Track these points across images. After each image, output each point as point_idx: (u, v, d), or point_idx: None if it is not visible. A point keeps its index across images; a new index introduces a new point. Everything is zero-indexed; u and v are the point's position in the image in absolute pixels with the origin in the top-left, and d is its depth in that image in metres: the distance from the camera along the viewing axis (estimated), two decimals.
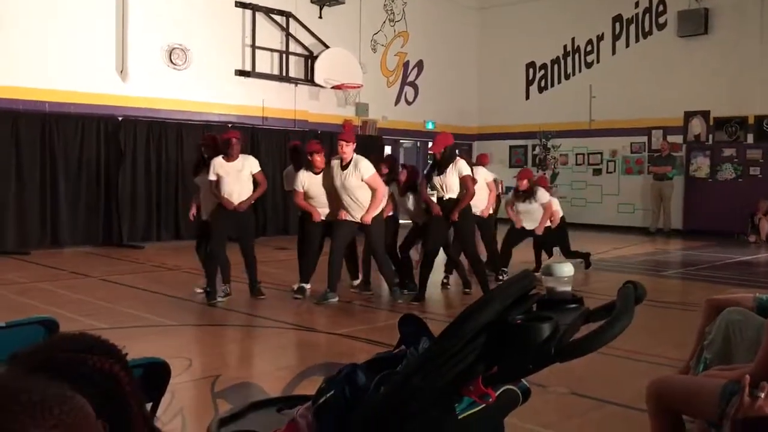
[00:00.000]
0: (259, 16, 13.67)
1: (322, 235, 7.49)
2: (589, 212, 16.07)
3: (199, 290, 7.38)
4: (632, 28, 16.02)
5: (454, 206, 7.21)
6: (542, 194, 9.04)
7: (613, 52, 16.32)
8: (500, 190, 9.61)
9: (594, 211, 16.17)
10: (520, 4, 17.48)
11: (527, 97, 17.82)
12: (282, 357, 5.40)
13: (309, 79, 14.43)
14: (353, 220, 7.15)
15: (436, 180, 7.30)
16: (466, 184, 7.25)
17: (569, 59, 17.06)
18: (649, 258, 11.68)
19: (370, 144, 14.99)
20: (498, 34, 18.05)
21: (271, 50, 13.97)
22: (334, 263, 7.15)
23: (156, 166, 12.27)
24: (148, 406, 1.47)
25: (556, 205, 9.34)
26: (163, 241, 12.20)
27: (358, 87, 14.94)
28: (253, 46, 13.57)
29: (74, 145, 11.38)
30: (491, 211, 8.65)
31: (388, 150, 16.41)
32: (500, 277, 8.33)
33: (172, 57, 12.47)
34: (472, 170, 7.50)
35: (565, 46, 17.07)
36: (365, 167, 7.08)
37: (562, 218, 9.43)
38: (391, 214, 7.78)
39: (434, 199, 7.36)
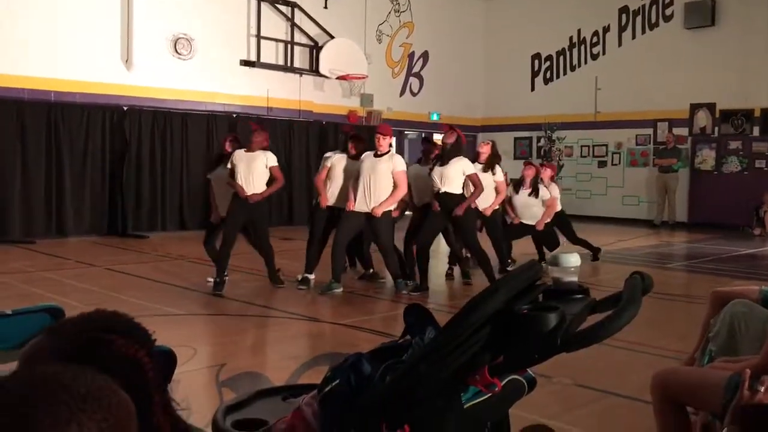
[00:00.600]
0: (264, 6, 13.64)
1: (328, 223, 7.50)
2: (593, 204, 16.04)
3: (210, 280, 7.39)
4: (639, 19, 15.94)
5: (452, 200, 7.19)
6: (545, 191, 8.96)
7: (619, 44, 16.25)
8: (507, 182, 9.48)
9: (599, 203, 16.14)
10: None
11: (533, 89, 17.76)
12: (287, 347, 5.41)
13: (314, 69, 14.41)
14: (362, 211, 7.13)
15: (437, 171, 7.27)
16: (474, 181, 7.25)
17: (575, 51, 16.99)
18: (654, 250, 11.66)
19: (374, 135, 14.96)
20: (504, 25, 17.98)
21: (276, 40, 13.95)
22: (337, 254, 7.15)
23: (161, 155, 12.28)
24: None
25: (556, 197, 9.22)
26: (168, 230, 12.23)
27: (363, 78, 14.91)
28: (258, 36, 13.55)
29: (79, 134, 11.40)
30: (496, 207, 8.45)
31: (393, 141, 16.36)
32: (507, 269, 8.29)
33: (177, 47, 12.46)
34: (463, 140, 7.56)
35: (570, 38, 17.00)
36: (399, 161, 7.22)
37: (559, 212, 9.18)
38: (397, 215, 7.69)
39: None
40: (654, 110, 15.48)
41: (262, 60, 13.62)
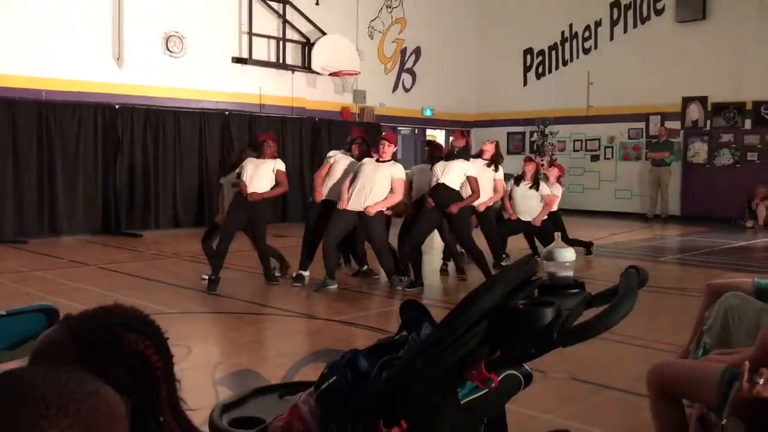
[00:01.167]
0: (255, 2, 13.60)
1: (320, 218, 7.50)
2: (586, 198, 16.08)
3: (205, 277, 7.38)
4: (630, 14, 15.97)
5: (448, 194, 7.23)
6: (545, 187, 9.03)
7: (611, 38, 16.28)
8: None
9: (592, 197, 16.18)
10: None
11: (525, 84, 17.78)
12: (282, 344, 5.41)
13: (306, 66, 14.38)
14: (354, 210, 7.14)
15: (440, 165, 7.38)
16: (473, 186, 7.38)
17: (567, 45, 17.01)
18: (647, 244, 11.70)
19: (368, 131, 14.97)
20: (496, 20, 17.99)
21: (268, 37, 13.92)
22: (328, 251, 7.15)
23: (153, 153, 12.24)
24: None
25: (557, 196, 9.29)
26: (162, 228, 12.21)
27: (356, 74, 14.90)
28: (250, 33, 13.51)
29: (71, 133, 11.35)
30: (490, 204, 8.50)
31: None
32: (502, 263, 8.33)
33: (168, 44, 12.42)
34: (470, 148, 7.78)
35: (562, 33, 17.02)
36: (400, 169, 7.35)
37: (555, 213, 9.20)
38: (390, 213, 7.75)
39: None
40: (646, 104, 15.52)
41: (254, 57, 13.58)
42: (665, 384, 2.56)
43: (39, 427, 0.78)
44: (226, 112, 13.17)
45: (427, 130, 18.05)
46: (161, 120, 12.30)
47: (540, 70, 17.52)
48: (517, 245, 9.32)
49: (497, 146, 8.84)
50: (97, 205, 11.67)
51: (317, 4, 14.64)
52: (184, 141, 12.59)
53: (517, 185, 9.03)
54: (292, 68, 14.28)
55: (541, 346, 1.41)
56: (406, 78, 17.00)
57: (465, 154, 7.62)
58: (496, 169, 8.52)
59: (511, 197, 8.97)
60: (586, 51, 16.69)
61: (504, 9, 17.77)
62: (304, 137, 14.33)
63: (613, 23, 16.22)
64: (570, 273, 1.69)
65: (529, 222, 8.86)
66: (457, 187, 7.32)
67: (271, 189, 7.44)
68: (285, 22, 14.12)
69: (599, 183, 16.46)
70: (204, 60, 12.86)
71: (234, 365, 4.65)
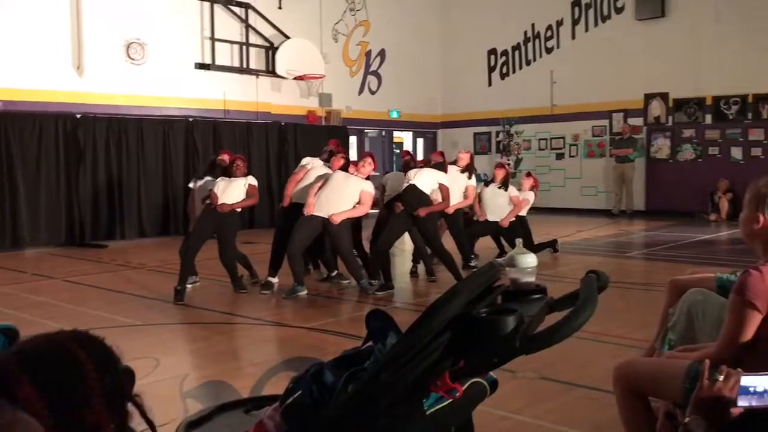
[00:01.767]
0: (217, 7, 13.50)
1: (288, 220, 7.48)
2: (552, 196, 16.23)
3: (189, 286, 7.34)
4: (591, 12, 16.16)
5: (417, 196, 7.28)
6: (513, 189, 9.21)
7: (573, 37, 16.46)
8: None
9: (558, 194, 16.34)
10: None
11: (489, 84, 17.89)
12: (252, 354, 5.36)
13: (270, 70, 14.31)
14: (320, 216, 7.12)
15: (414, 170, 7.66)
16: (444, 194, 7.59)
17: (530, 45, 17.16)
18: (613, 240, 11.84)
19: (335, 134, 14.94)
20: (459, 21, 18.07)
21: (231, 42, 13.82)
22: (293, 258, 7.11)
23: (116, 162, 12.07)
24: None
25: (528, 201, 9.46)
26: (127, 239, 12.04)
27: (321, 77, 14.86)
28: (213, 39, 13.41)
29: (32, 144, 11.14)
30: (459, 208, 8.60)
31: (353, 140, 16.39)
32: (471, 264, 8.41)
33: (129, 52, 12.27)
34: (446, 168, 7.99)
35: (525, 32, 17.16)
36: (370, 185, 7.42)
37: (522, 218, 9.29)
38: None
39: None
40: (609, 101, 15.73)
41: (218, 62, 13.48)
42: (631, 382, 2.59)
43: None
44: (190, 119, 13.05)
45: (394, 132, 18.09)
46: (124, 128, 12.13)
47: (504, 70, 17.65)
48: (486, 245, 9.38)
49: (472, 157, 9.07)
50: (60, 217, 11.47)
51: (280, 8, 14.58)
52: (148, 149, 12.44)
53: (487, 186, 9.20)
54: (257, 73, 14.21)
55: (503, 355, 1.41)
56: (372, 80, 17.01)
57: (440, 167, 7.84)
58: (470, 177, 8.72)
59: (480, 199, 9.10)
60: (549, 50, 16.85)
61: (467, 10, 17.86)
62: (270, 142, 14.25)
63: (575, 22, 16.40)
64: (532, 278, 1.70)
65: (497, 222, 8.97)
66: (427, 191, 7.45)
67: (242, 200, 7.46)
68: (248, 26, 14.03)
69: (565, 181, 16.63)
70: (166, 66, 12.73)
71: (203, 377, 4.60)
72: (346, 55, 16.37)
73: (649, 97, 15.38)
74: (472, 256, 8.75)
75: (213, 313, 6.56)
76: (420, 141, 18.72)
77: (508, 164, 15.80)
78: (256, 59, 14.25)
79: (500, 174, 9.22)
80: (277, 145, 14.34)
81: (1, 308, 6.50)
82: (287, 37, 14.38)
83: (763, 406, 1.85)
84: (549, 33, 16.83)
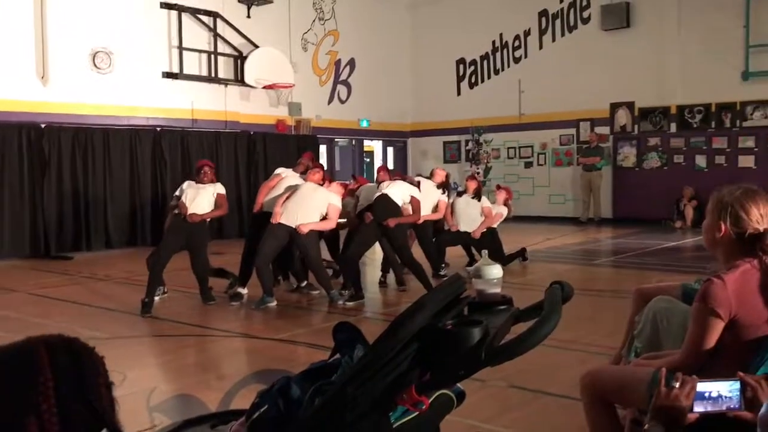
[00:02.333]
0: (185, 16, 13.40)
1: (257, 228, 7.45)
2: (521, 204, 16.30)
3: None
4: (558, 22, 16.37)
5: (388, 206, 7.30)
6: (486, 201, 9.27)
7: (540, 47, 16.64)
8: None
9: (526, 203, 16.46)
10: (448, 0, 17.63)
11: (459, 93, 18.01)
12: (221, 366, 5.31)
13: (239, 79, 14.25)
14: (287, 225, 7.09)
15: (386, 183, 7.71)
16: (415, 207, 7.64)
17: (498, 55, 17.31)
18: (581, 247, 11.96)
19: (304, 143, 14.91)
20: (428, 31, 18.18)
21: (199, 51, 13.72)
22: (260, 270, 7.06)
23: (83, 173, 11.89)
24: None
25: (501, 215, 9.54)
26: (94, 250, 11.85)
27: (290, 86, 14.83)
28: (180, 48, 13.30)
29: None
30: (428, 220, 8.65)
31: (323, 149, 16.37)
32: (441, 274, 8.44)
33: (95, 61, 12.12)
34: (419, 185, 8.11)
35: (493, 42, 17.31)
36: (338, 198, 7.45)
37: (493, 230, 9.35)
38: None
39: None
40: (576, 110, 15.92)
41: (185, 71, 13.37)
42: (597, 390, 2.61)
43: None
44: (158, 128, 12.92)
45: (365, 141, 18.10)
46: (90, 138, 11.96)
47: (473, 79, 17.77)
48: (456, 253, 9.41)
49: (448, 177, 9.22)
50: (25, 228, 11.25)
51: (248, 17, 14.53)
52: (115, 159, 12.27)
53: (460, 197, 9.27)
54: (225, 82, 14.13)
55: (469, 368, 1.42)
56: (342, 89, 17.02)
57: (415, 185, 8.05)
58: (444, 192, 8.79)
59: (453, 209, 9.14)
60: (517, 60, 17.02)
61: (435, 20, 17.98)
62: (239, 151, 14.16)
63: (542, 32, 16.59)
64: (498, 289, 1.71)
65: (468, 233, 9.00)
66: (399, 202, 7.49)
67: (211, 211, 7.39)
68: (216, 35, 13.96)
69: (533, 189, 16.78)
70: (133, 76, 12.59)
71: (171, 390, 4.54)
72: (315, 64, 16.36)
73: (615, 106, 15.60)
74: (443, 265, 8.78)
75: (181, 326, 6.49)
76: (390, 150, 18.76)
77: (478, 173, 15.91)
78: (224, 68, 14.16)
79: (472, 185, 9.26)
80: (246, 154, 14.26)
81: None
82: (256, 46, 14.33)
83: (718, 411, 1.90)
84: (517, 43, 17.01)
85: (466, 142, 17.64)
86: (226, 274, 7.79)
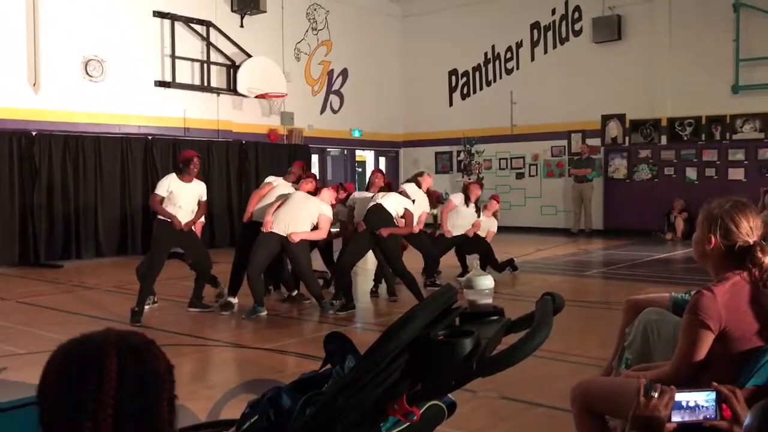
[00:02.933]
0: (178, 25, 13.41)
1: (248, 237, 7.43)
2: (513, 215, 16.38)
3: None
4: (549, 34, 16.46)
5: (382, 215, 7.30)
6: (482, 215, 9.38)
7: (532, 59, 16.73)
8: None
9: (518, 214, 16.50)
10: (441, 12, 17.71)
11: (450, 104, 18.06)
12: (211, 375, 5.29)
13: (232, 88, 14.24)
14: (278, 233, 7.08)
15: (381, 193, 7.71)
16: (408, 219, 7.58)
17: (490, 66, 17.39)
18: (572, 258, 11.99)
19: (296, 152, 14.92)
20: (421, 42, 18.25)
21: (192, 60, 13.72)
22: (252, 279, 7.05)
23: (73, 181, 11.84)
24: None
25: (493, 227, 9.61)
26: (83, 259, 11.79)
27: (283, 96, 14.84)
28: (173, 56, 13.30)
29: None
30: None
31: (315, 159, 16.38)
32: (434, 281, 8.45)
33: (88, 69, 12.10)
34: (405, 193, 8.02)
35: (486, 54, 17.39)
36: (329, 209, 7.40)
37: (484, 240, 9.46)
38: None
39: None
40: (568, 122, 15.99)
41: (178, 80, 13.37)
42: (588, 401, 2.61)
43: None
44: (149, 137, 12.89)
45: (357, 151, 18.12)
46: (81, 146, 11.93)
47: (465, 90, 17.84)
48: (449, 263, 9.41)
49: (440, 196, 9.43)
50: (14, 236, 11.18)
51: (242, 26, 14.55)
52: (106, 167, 12.23)
53: (467, 206, 9.27)
54: (218, 91, 14.12)
55: (460, 378, 1.42)
56: (334, 99, 17.04)
57: (403, 192, 8.00)
58: (435, 205, 8.86)
59: (456, 215, 9.20)
60: (509, 71, 17.09)
61: (428, 31, 18.05)
62: (231, 160, 14.15)
63: (534, 44, 16.68)
64: (489, 300, 1.71)
65: (462, 235, 9.06)
66: (392, 212, 7.47)
67: (196, 216, 7.38)
68: (209, 44, 13.96)
69: (525, 200, 16.82)
70: (125, 84, 12.57)
71: None
72: (308, 74, 16.38)
73: (606, 118, 15.68)
74: (435, 273, 8.80)
75: (171, 335, 6.45)
76: (382, 160, 18.79)
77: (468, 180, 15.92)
78: (217, 77, 14.17)
79: (478, 193, 9.37)
80: (237, 163, 14.25)
81: None
82: (249, 56, 14.35)
83: (695, 421, 1.91)
84: (509, 54, 17.08)
85: (458, 152, 17.68)
86: (216, 283, 7.78)
